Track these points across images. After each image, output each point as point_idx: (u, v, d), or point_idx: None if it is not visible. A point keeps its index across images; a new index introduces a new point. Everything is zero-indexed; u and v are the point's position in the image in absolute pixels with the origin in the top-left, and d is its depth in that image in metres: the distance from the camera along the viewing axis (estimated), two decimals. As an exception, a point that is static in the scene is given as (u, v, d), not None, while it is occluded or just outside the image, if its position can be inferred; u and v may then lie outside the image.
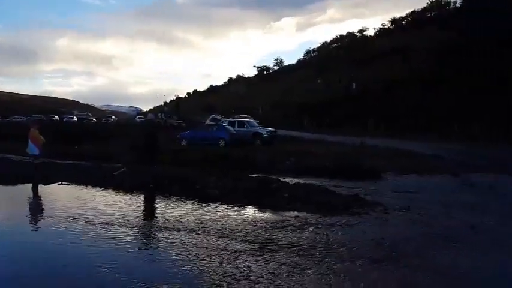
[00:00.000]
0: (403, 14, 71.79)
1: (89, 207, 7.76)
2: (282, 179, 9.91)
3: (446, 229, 6.37)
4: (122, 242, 5.59)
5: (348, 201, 8.02)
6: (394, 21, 70.58)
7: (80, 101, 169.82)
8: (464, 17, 41.04)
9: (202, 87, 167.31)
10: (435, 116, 32.52)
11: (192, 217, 6.99)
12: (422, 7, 64.93)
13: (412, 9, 70.13)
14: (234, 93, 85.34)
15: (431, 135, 29.68)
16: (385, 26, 71.87)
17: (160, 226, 6.45)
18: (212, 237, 5.83)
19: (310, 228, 6.31)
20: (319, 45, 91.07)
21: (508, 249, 5.52)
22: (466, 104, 31.19)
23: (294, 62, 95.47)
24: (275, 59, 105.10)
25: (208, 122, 29.90)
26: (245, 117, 28.51)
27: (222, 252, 5.12)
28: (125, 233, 6.02)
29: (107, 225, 6.40)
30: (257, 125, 25.13)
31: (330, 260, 4.93)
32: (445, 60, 35.20)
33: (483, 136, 26.53)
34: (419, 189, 10.10)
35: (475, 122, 28.39)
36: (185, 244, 5.48)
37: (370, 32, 74.44)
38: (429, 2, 62.76)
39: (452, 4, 57.60)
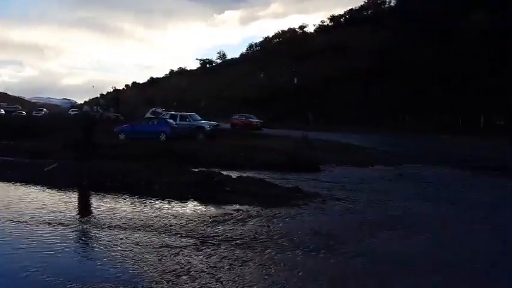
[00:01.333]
0: (342, 12, 74.33)
1: (16, 205, 7.21)
2: (224, 173, 9.88)
3: (379, 216, 6.73)
4: (53, 242, 5.26)
5: (289, 193, 8.19)
6: (332, 18, 72.92)
7: (9, 93, 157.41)
8: (398, 16, 43.47)
9: (142, 79, 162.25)
10: (371, 111, 34.23)
11: (130, 214, 6.75)
12: (359, 5, 67.72)
13: (350, 8, 72.88)
14: (176, 86, 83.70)
15: (368, 129, 31.22)
16: (325, 23, 74.06)
17: (95, 224, 6.15)
18: (152, 233, 5.67)
19: (252, 221, 6.35)
20: (262, 39, 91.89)
21: (435, 231, 5.93)
22: (400, 99, 33.11)
23: (237, 56, 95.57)
24: (218, 52, 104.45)
25: (148, 115, 29.00)
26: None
27: (162, 249, 5.00)
28: (57, 232, 5.68)
29: (36, 224, 5.99)
30: (200, 118, 24.86)
31: (271, 251, 5.00)
32: (380, 58, 37.00)
33: (415, 129, 28.36)
34: (357, 180, 10.58)
35: (407, 116, 30.21)
36: (122, 242, 5.28)
37: (311, 29, 76.38)
38: (365, 1, 65.58)
39: (387, 3, 60.63)
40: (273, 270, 4.39)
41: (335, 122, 35.42)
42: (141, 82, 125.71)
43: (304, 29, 76.71)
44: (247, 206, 7.26)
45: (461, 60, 28.59)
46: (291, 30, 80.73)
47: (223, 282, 4.05)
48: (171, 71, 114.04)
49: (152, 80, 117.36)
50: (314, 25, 77.53)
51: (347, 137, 23.83)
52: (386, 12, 53.94)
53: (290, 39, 74.39)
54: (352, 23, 61.11)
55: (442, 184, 10.28)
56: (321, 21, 76.09)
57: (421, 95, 31.51)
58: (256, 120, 33.94)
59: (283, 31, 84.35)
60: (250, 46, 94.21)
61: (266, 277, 4.23)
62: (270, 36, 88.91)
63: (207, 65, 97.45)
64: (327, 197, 8.10)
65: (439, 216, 6.90)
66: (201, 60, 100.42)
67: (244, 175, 9.99)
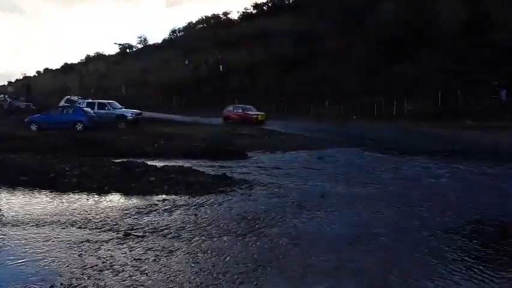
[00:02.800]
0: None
1: None
2: (149, 163, 9.61)
3: (301, 198, 7.03)
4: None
5: (216, 181, 8.21)
6: (256, 6, 73.38)
7: None
8: (318, 4, 45.17)
9: (56, 65, 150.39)
10: (294, 97, 35.34)
11: (45, 209, 6.32)
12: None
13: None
14: (93, 72, 78.88)
15: (292, 115, 32.24)
16: (248, 10, 74.31)
17: (5, 222, 5.67)
18: (71, 229, 5.37)
19: (179, 210, 6.29)
20: (185, 25, 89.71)
21: (349, 210, 6.35)
22: (321, 85, 34.56)
23: (160, 41, 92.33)
24: (139, 37, 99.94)
25: (62, 103, 27.06)
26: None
27: (82, 244, 4.76)
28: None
29: None
30: (120, 106, 23.78)
31: (198, 239, 5.00)
32: (302, 46, 38.19)
33: (336, 115, 29.85)
34: (281, 164, 10.93)
35: (327, 102, 31.67)
36: (38, 239, 4.93)
37: (235, 15, 76.17)
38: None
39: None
40: (200, 258, 4.41)
41: (261, 108, 36.03)
42: (54, 68, 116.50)
43: (228, 16, 76.43)
44: (173, 196, 7.16)
45: (376, 46, 30.56)
46: (215, 16, 79.91)
47: (149, 274, 3.99)
48: (88, 56, 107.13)
49: (66, 66, 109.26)
50: (238, 12, 77.48)
51: (272, 123, 24.41)
52: (307, 0, 55.48)
53: (214, 25, 73.64)
54: (275, 10, 62.04)
55: (356, 166, 10.97)
56: (245, 8, 76.27)
57: (341, 82, 33.16)
58: (255, 113, 27.34)
59: (207, 17, 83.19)
60: (174, 31, 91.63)
61: (193, 265, 4.24)
62: (194, 21, 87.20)
63: (127, 50, 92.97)
64: (254, 182, 8.27)
65: (352, 196, 7.36)
66: (120, 44, 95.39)
67: (169, 164, 9.80)
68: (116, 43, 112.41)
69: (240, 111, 27.46)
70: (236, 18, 74.73)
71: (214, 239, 4.99)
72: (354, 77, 32.51)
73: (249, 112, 27.14)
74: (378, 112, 27.75)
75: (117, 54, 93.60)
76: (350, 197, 7.28)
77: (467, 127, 21.84)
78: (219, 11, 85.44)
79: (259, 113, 27.42)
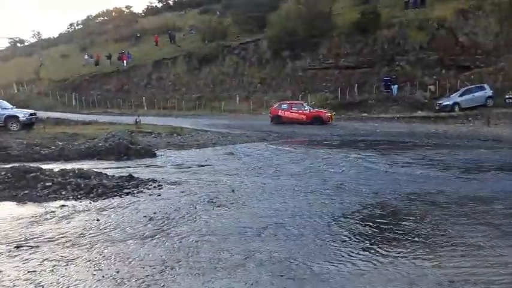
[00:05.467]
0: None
1: None
2: (45, 167, 8.82)
3: (213, 194, 7.04)
4: None
5: (122, 182, 7.84)
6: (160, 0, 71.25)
7: None
8: (224, 1, 45.48)
9: None
10: (203, 93, 35.12)
11: None
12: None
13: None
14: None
15: (203, 111, 32.07)
16: (153, 4, 71.93)
17: None
18: None
19: (79, 216, 5.89)
20: (84, 18, 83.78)
21: (258, 202, 6.52)
22: (230, 81, 34.81)
23: (56, 35, 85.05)
24: (32, 31, 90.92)
25: None
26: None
27: (-37, 262, 4.21)
28: None
29: None
30: (11, 106, 21.45)
31: (101, 245, 4.73)
32: (209, 41, 38.05)
33: (244, 110, 30.33)
34: (192, 161, 10.81)
35: (238, 97, 32.01)
36: None
37: (138, 9, 73.22)
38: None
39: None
40: (103, 265, 4.18)
41: (169, 105, 35.23)
42: None
43: (131, 9, 73.22)
44: (73, 201, 6.68)
45: (278, 43, 31.64)
46: (117, 10, 75.96)
47: (45, 286, 3.67)
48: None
49: None
50: (144, 6, 74.59)
51: (182, 121, 24.02)
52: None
53: (116, 18, 69.96)
54: (181, 5, 60.93)
55: (265, 159, 11.29)
56: (149, 2, 73.73)
57: (249, 78, 33.75)
58: (305, 110, 21.83)
59: (108, 10, 78.75)
60: (71, 25, 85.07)
61: (95, 273, 4.00)
62: (94, 14, 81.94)
63: (18, 45, 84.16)
64: (163, 181, 8.06)
65: (261, 189, 7.58)
66: (10, 38, 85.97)
67: (69, 167, 9.11)
68: (4, 37, 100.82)
69: (297, 110, 22.02)
70: (140, 11, 72.05)
71: (119, 244, 4.76)
72: (261, 73, 33.35)
73: (299, 110, 22.02)
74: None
75: (7, 48, 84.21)
76: (259, 190, 7.47)
77: (363, 119, 23.79)
78: (121, 4, 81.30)
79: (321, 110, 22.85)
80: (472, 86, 22.85)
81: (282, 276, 3.92)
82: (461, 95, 22.35)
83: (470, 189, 7.37)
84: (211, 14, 46.72)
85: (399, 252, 4.50)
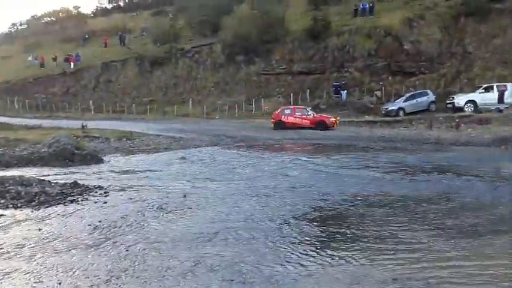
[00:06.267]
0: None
1: None
2: (-20, 175, 8.26)
3: (162, 200, 6.89)
4: None
5: (66, 189, 7.50)
6: (111, 0, 69.21)
7: None
8: (177, 3, 45.03)
9: None
10: (155, 96, 34.43)
11: None
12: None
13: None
14: None
15: (155, 115, 31.39)
16: (103, 5, 69.72)
17: None
18: None
19: (19, 226, 5.56)
20: (29, 18, 79.45)
21: (210, 207, 6.46)
22: (182, 84, 34.40)
23: (-4, 35, 79.84)
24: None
25: None
26: None
27: None
28: None
29: None
30: None
31: (42, 255, 4.49)
32: (161, 43, 37.46)
33: (198, 114, 30.06)
34: (142, 167, 10.54)
35: (191, 100, 31.68)
36: None
37: (87, 10, 70.60)
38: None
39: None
40: (44, 276, 3.96)
41: (116, 109, 34.21)
42: None
43: (79, 10, 70.41)
44: (12, 210, 6.29)
45: (232, 47, 31.77)
46: (65, 10, 72.74)
47: (-23, 304, 3.42)
48: None
49: None
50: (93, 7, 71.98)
51: (129, 124, 23.40)
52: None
53: (64, 19, 67.00)
54: (132, 7, 59.54)
55: (219, 163, 11.25)
56: (99, 3, 71.29)
57: (202, 82, 33.53)
58: (309, 116, 21.39)
59: (55, 10, 75.16)
60: (13, 24, 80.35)
61: (35, 285, 3.79)
62: (39, 15, 77.91)
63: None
64: (110, 188, 7.79)
65: (213, 193, 7.53)
66: None
67: (8, 174, 8.58)
68: None
69: (300, 115, 21.58)
70: (89, 12, 69.55)
71: (61, 254, 4.54)
72: (215, 77, 33.25)
73: (302, 115, 21.53)
74: (238, 111, 28.86)
75: None
76: (212, 195, 7.41)
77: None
78: (69, 4, 78.04)
79: (314, 114, 22.00)
80: (416, 92, 24.05)
81: (232, 280, 3.90)
82: (405, 100, 23.45)
83: (413, 190, 7.74)
84: (163, 16, 46.00)
85: (346, 252, 4.63)
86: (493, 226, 5.57)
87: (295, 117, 21.54)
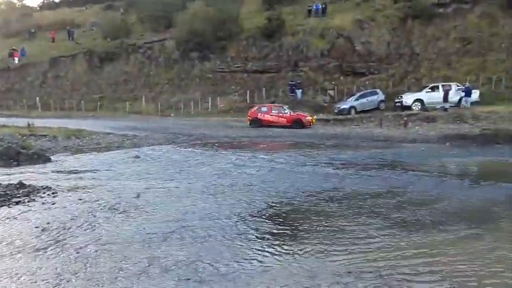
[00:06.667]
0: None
1: None
2: None
3: (115, 200, 6.68)
4: None
5: (11, 190, 7.08)
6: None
7: None
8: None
9: None
10: (108, 94, 33.27)
11: None
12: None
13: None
14: None
15: (106, 113, 30.32)
16: (50, -1, 66.31)
17: None
18: None
19: (-45, 231, 5.16)
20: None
21: (165, 206, 6.34)
22: (136, 82, 33.48)
23: None
24: None
25: None
26: None
27: None
28: None
29: None
30: None
31: (-18, 261, 4.20)
32: (112, 39, 36.25)
33: (151, 112, 29.40)
34: (92, 166, 10.15)
35: (143, 98, 30.91)
36: None
37: (33, 3, 66.91)
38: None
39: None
40: (-15, 284, 3.71)
41: (64, 106, 32.71)
42: None
43: (24, 2, 66.59)
44: None
45: (185, 43, 31.36)
46: (8, 2, 68.45)
47: None
48: None
49: None
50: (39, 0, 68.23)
51: (79, 122, 22.48)
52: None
53: (7, 12, 63.03)
54: (81, 1, 57.08)
55: (173, 162, 11.07)
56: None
57: (156, 79, 32.80)
58: (285, 114, 21.34)
59: (-5, 2, 70.51)
60: None
61: (-25, 294, 3.54)
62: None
63: None
64: (59, 189, 7.43)
65: (168, 192, 7.41)
66: None
67: None
68: None
69: (282, 113, 21.48)
70: (35, 6, 65.98)
71: (6, 259, 4.29)
72: (168, 74, 32.65)
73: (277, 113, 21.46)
74: (194, 109, 28.52)
75: None
76: (167, 194, 7.29)
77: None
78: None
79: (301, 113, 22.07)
80: (367, 91, 24.90)
81: (188, 280, 3.86)
82: (357, 99, 24.21)
83: (365, 186, 8.02)
84: (114, 11, 44.48)
85: (301, 247, 4.72)
86: (439, 219, 5.89)
87: (271, 115, 21.48)
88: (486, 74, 23.44)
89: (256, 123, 21.39)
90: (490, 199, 6.96)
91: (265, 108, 22.17)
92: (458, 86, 21.79)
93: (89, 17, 46.35)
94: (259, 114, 21.74)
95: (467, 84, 21.85)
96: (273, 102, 26.02)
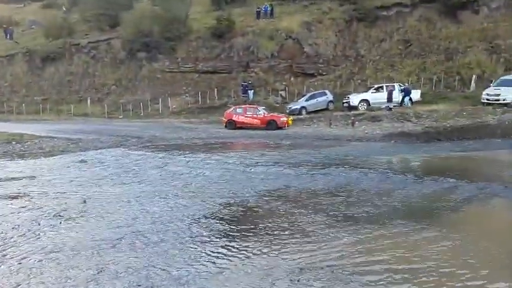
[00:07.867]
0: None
1: None
2: None
3: (60, 207, 6.38)
4: None
5: None
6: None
7: None
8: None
9: None
10: (51, 95, 31.67)
11: None
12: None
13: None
14: None
15: (49, 115, 28.86)
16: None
17: None
18: None
19: None
20: None
21: (114, 212, 6.14)
22: (81, 83, 32.12)
23: None
24: None
25: None
26: None
27: None
28: None
29: None
30: None
31: None
32: (53, 38, 34.56)
33: (98, 113, 28.33)
34: (35, 172, 9.63)
35: (90, 100, 29.69)
36: None
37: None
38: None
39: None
40: None
41: (3, 109, 30.75)
42: None
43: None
44: None
45: (132, 43, 30.56)
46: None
47: None
48: None
49: None
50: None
51: (19, 126, 21.23)
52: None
53: None
54: None
55: (123, 166, 10.73)
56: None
57: (102, 79, 31.66)
58: (259, 115, 20.81)
59: None
60: None
61: None
62: None
63: None
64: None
65: (118, 197, 7.18)
66: None
67: None
68: None
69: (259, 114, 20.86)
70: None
71: None
72: (115, 74, 31.63)
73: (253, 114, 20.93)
74: (144, 110, 27.83)
75: None
76: (116, 199, 7.06)
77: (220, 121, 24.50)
78: None
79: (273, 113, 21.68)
80: (316, 92, 25.49)
81: (139, 286, 3.76)
82: (307, 100, 24.72)
83: (315, 184, 8.21)
84: (55, 9, 42.41)
85: (255, 247, 4.76)
86: (387, 213, 6.16)
87: (246, 116, 21.02)
88: (426, 74, 24.80)
89: (232, 124, 20.96)
90: (432, 194, 7.37)
91: (240, 109, 21.74)
92: (401, 86, 22.89)
93: (27, 15, 43.91)
94: (234, 115, 21.27)
95: (406, 84, 23.03)
96: (225, 104, 25.97)
